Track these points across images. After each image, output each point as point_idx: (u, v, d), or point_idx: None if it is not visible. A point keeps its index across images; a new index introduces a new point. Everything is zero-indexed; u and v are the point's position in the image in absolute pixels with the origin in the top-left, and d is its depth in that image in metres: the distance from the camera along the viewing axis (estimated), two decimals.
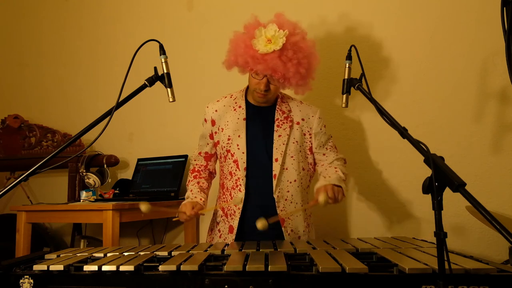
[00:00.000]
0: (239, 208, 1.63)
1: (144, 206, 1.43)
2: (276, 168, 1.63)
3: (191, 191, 1.70)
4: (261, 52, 1.49)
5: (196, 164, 1.81)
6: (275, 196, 1.62)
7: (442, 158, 0.94)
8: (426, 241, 1.40)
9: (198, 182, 1.74)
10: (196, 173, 1.79)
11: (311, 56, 1.57)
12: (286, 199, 1.65)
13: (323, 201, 1.41)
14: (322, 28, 2.28)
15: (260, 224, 1.38)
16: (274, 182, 1.62)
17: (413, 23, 2.13)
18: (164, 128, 2.68)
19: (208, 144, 1.77)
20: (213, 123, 1.73)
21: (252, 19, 1.59)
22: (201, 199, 1.66)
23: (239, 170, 1.64)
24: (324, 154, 1.73)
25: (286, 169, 1.65)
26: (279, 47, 1.48)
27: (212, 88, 2.45)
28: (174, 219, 1.62)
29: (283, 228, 1.63)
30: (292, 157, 1.66)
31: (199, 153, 1.81)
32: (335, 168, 1.66)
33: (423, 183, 0.90)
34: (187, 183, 1.78)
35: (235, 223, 1.63)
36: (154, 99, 2.38)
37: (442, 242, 0.84)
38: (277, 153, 1.64)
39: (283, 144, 1.64)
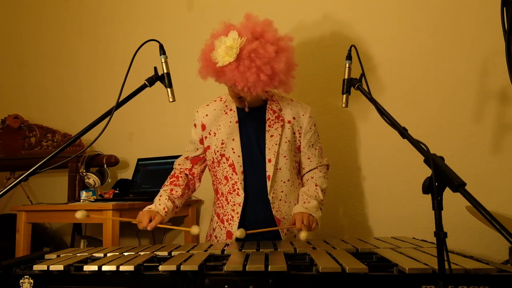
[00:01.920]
0: (237, 213, 1.62)
1: (80, 214, 1.40)
2: (269, 168, 1.62)
3: (159, 196, 1.66)
4: (219, 65, 1.46)
5: (178, 169, 1.78)
6: (269, 197, 1.62)
7: (442, 158, 0.94)
8: (426, 241, 1.40)
9: (171, 189, 1.69)
10: (174, 179, 1.73)
11: (274, 61, 1.47)
12: (280, 199, 1.64)
13: (304, 238, 1.41)
14: (322, 28, 2.28)
15: (239, 232, 1.43)
16: (268, 183, 1.61)
17: (413, 23, 2.13)
18: (164, 128, 2.68)
19: (197, 149, 1.74)
20: (203, 127, 1.71)
21: (219, 25, 1.54)
22: (164, 208, 1.59)
23: (236, 174, 1.62)
24: (308, 158, 1.72)
25: (280, 169, 1.64)
26: (233, 59, 1.43)
27: (212, 88, 2.44)
28: (133, 222, 1.57)
29: (280, 230, 1.63)
30: (285, 156, 1.65)
31: (186, 158, 1.77)
32: (316, 186, 1.67)
33: (423, 183, 0.90)
34: (162, 186, 1.73)
35: (234, 228, 1.61)
36: (154, 99, 2.38)
37: (442, 242, 0.84)
38: (270, 154, 1.63)
39: (276, 144, 1.63)
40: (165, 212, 1.58)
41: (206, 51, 1.53)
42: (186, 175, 1.77)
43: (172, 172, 1.79)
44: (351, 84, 1.39)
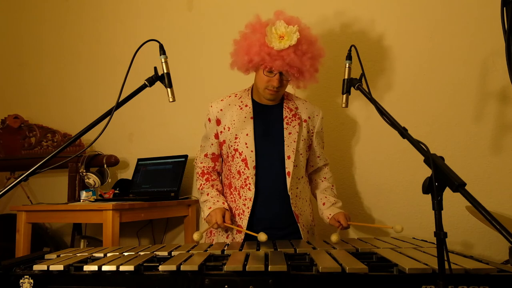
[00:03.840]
0: (248, 208, 1.63)
1: (197, 236, 1.40)
2: (289, 165, 1.64)
3: (208, 194, 1.69)
4: (276, 48, 1.51)
5: (204, 167, 1.78)
6: (290, 193, 1.64)
7: (442, 158, 0.94)
8: (426, 241, 1.40)
9: (212, 185, 1.73)
10: (208, 176, 1.76)
11: (320, 49, 1.61)
12: (296, 196, 1.67)
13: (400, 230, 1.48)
14: (321, 28, 2.28)
15: (263, 236, 1.37)
16: (289, 180, 1.63)
17: (413, 23, 2.13)
18: (164, 128, 2.68)
19: (212, 144, 1.75)
20: (218, 122, 1.71)
21: (255, 18, 1.60)
22: (223, 202, 1.65)
23: (248, 169, 1.63)
24: (318, 156, 1.79)
25: (296, 166, 1.67)
26: (294, 42, 1.50)
27: (212, 88, 2.45)
28: (213, 228, 1.60)
29: (298, 224, 1.66)
30: (301, 154, 1.68)
31: (205, 155, 1.78)
32: (332, 186, 1.81)
33: (423, 183, 0.90)
34: (199, 187, 1.75)
35: (244, 223, 1.62)
36: (154, 99, 2.38)
37: (442, 242, 0.84)
38: (288, 151, 1.65)
39: (294, 141, 1.66)
40: (226, 205, 1.65)
41: (256, 37, 1.56)
42: (213, 171, 1.79)
43: (200, 171, 1.79)
44: (351, 84, 1.39)
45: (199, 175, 1.78)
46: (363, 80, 1.37)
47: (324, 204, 1.74)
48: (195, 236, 1.41)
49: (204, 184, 1.74)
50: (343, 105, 1.42)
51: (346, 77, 1.42)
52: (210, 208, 1.62)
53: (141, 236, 2.63)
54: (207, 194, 1.69)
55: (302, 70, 1.55)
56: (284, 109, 1.71)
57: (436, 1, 2.09)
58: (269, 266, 1.00)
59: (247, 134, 1.66)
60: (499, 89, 1.96)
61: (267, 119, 1.69)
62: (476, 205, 0.84)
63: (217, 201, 1.65)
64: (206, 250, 1.28)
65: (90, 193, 2.41)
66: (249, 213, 1.62)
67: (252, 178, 1.63)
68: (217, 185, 1.74)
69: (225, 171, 1.76)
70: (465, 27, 2.04)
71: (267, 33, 1.53)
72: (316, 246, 1.29)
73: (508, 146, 1.95)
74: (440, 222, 0.85)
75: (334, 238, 1.39)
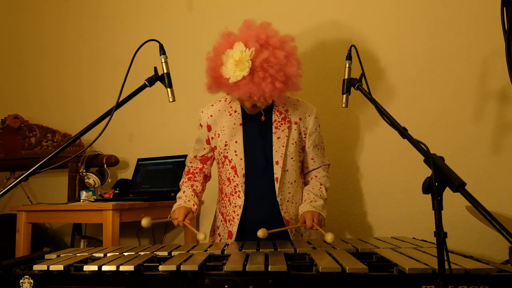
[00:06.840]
0: (238, 215, 1.62)
1: (145, 221, 1.44)
2: (277, 171, 1.61)
3: (184, 192, 1.70)
4: (231, 81, 1.41)
5: (191, 167, 1.80)
6: (278, 199, 1.61)
7: (442, 158, 0.94)
8: (426, 241, 1.40)
9: (192, 185, 1.73)
10: (191, 175, 1.77)
11: (286, 66, 1.44)
12: (288, 201, 1.64)
13: (330, 239, 1.34)
14: (321, 29, 2.28)
15: (261, 232, 1.38)
16: (277, 186, 1.61)
17: (413, 23, 2.13)
18: (164, 128, 2.68)
19: (204, 148, 1.75)
20: (209, 128, 1.70)
21: (221, 35, 1.51)
22: (194, 204, 1.64)
23: (238, 177, 1.62)
24: (312, 158, 1.72)
25: (287, 170, 1.63)
26: (246, 73, 1.38)
27: None
28: (168, 220, 1.62)
29: (288, 230, 1.63)
30: (292, 158, 1.64)
31: (195, 156, 1.79)
32: (320, 185, 1.70)
33: (423, 183, 0.90)
34: (180, 183, 1.77)
35: (234, 229, 1.62)
36: (154, 99, 2.38)
37: (442, 242, 0.84)
38: (277, 156, 1.62)
39: (283, 146, 1.62)
40: (196, 208, 1.65)
41: (212, 66, 1.49)
42: (199, 172, 1.80)
43: (187, 169, 1.81)
44: (351, 84, 1.39)
45: (185, 173, 1.81)
46: (363, 80, 1.37)
47: (304, 201, 1.67)
48: (144, 221, 1.43)
49: (185, 182, 1.76)
50: (343, 105, 1.42)
51: (346, 77, 1.41)
52: (179, 205, 1.63)
53: (141, 236, 2.63)
54: (183, 192, 1.70)
55: (265, 96, 1.43)
56: (273, 112, 1.66)
57: (436, 1, 2.10)
58: (269, 266, 0.99)
59: (236, 142, 1.63)
60: (499, 89, 1.96)
61: (257, 124, 1.65)
62: (476, 205, 0.84)
63: (188, 200, 1.65)
64: (206, 250, 1.28)
65: (90, 193, 2.41)
66: (239, 220, 1.62)
67: (241, 185, 1.61)
68: (196, 186, 1.74)
69: (218, 177, 1.77)
70: (465, 27, 2.04)
71: (223, 60, 1.43)
72: (316, 246, 1.29)
73: (508, 146, 1.95)
74: (440, 222, 0.85)
75: (329, 237, 1.32)
